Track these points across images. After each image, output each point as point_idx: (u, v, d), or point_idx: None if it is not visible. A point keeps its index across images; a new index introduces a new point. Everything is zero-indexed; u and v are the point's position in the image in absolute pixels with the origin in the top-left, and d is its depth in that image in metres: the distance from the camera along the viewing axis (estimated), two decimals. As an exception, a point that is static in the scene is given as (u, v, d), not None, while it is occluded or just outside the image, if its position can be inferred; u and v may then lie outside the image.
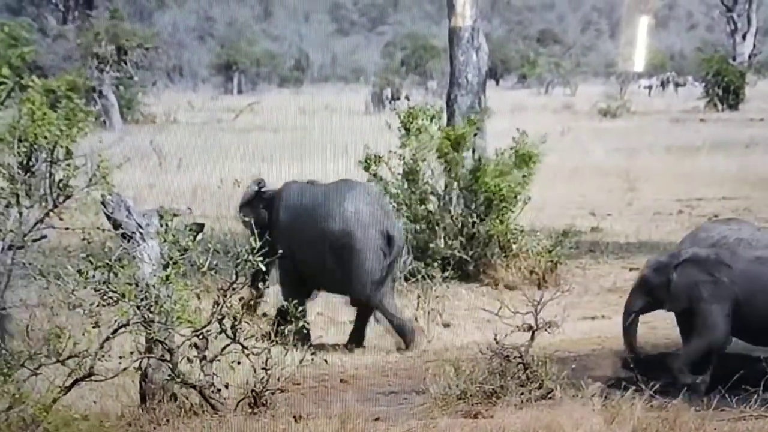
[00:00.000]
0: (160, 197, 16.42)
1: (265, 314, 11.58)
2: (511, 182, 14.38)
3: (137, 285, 8.29)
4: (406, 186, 14.49)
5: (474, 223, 14.52)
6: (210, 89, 52.73)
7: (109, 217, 8.82)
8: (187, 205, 12.12)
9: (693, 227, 11.26)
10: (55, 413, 7.83)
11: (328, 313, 12.13)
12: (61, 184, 8.42)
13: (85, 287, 8.16)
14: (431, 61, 50.38)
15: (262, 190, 11.80)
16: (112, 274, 8.22)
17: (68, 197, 8.40)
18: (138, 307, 8.23)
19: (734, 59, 44.70)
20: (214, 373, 8.66)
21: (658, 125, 34.84)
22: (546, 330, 9.38)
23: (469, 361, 9.33)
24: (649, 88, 49.83)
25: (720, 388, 8.94)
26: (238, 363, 8.60)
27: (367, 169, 14.32)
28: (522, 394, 8.94)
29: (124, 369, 8.32)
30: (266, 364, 8.63)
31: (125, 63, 36.17)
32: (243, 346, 8.67)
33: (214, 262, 8.93)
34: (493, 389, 8.95)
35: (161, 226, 8.75)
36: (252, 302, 11.23)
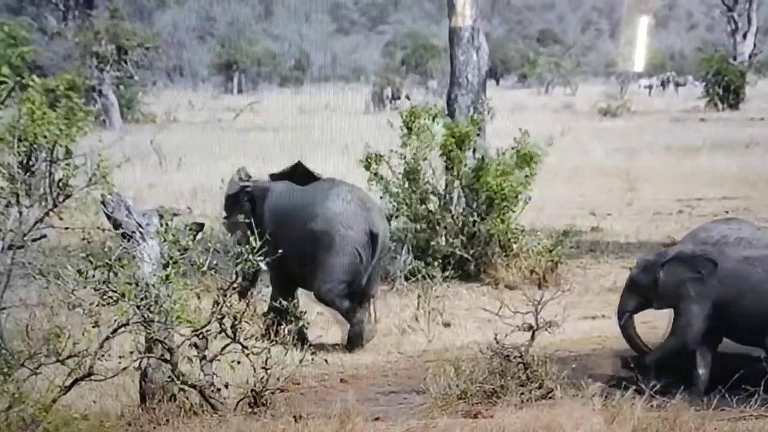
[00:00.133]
0: (160, 197, 16.40)
1: (265, 314, 11.57)
2: (512, 182, 14.38)
3: (137, 284, 8.29)
4: (407, 185, 14.50)
5: (475, 222, 14.53)
6: (210, 89, 52.73)
7: (109, 217, 8.82)
8: (187, 204, 12.14)
9: (693, 227, 11.25)
10: (55, 413, 7.83)
11: (328, 313, 12.11)
12: (60, 184, 8.41)
13: (84, 287, 8.16)
14: (431, 61, 50.40)
15: (246, 185, 11.80)
16: (111, 274, 8.22)
17: (68, 197, 8.39)
18: (138, 307, 8.23)
19: (734, 59, 44.70)
20: (214, 373, 8.66)
21: (659, 125, 34.84)
22: (546, 330, 9.38)
23: (469, 360, 9.33)
24: (650, 87, 49.84)
25: (720, 388, 8.94)
26: (238, 363, 8.60)
27: (367, 168, 14.33)
28: (522, 393, 8.94)
29: (124, 368, 8.32)
30: (266, 364, 8.64)
31: (125, 62, 36.17)
32: (243, 346, 8.67)
33: (214, 262, 8.93)
34: (493, 389, 8.95)
35: (161, 225, 8.75)
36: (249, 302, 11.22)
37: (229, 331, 8.68)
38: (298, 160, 11.89)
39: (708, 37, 56.02)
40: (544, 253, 14.29)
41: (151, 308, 8.27)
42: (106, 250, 8.47)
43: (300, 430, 8.23)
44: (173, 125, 34.76)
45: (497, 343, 9.16)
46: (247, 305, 10.62)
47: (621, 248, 16.19)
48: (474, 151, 14.89)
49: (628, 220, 18.26)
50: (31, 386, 7.97)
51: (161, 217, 8.79)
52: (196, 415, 8.49)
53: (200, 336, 8.58)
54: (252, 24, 59.25)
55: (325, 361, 9.93)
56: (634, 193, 20.92)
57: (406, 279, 13.75)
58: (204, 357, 8.62)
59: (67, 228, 8.44)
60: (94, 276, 8.19)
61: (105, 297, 8.18)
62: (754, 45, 46.78)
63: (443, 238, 14.52)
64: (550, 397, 8.94)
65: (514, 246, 14.46)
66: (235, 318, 8.69)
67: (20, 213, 8.28)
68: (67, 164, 8.55)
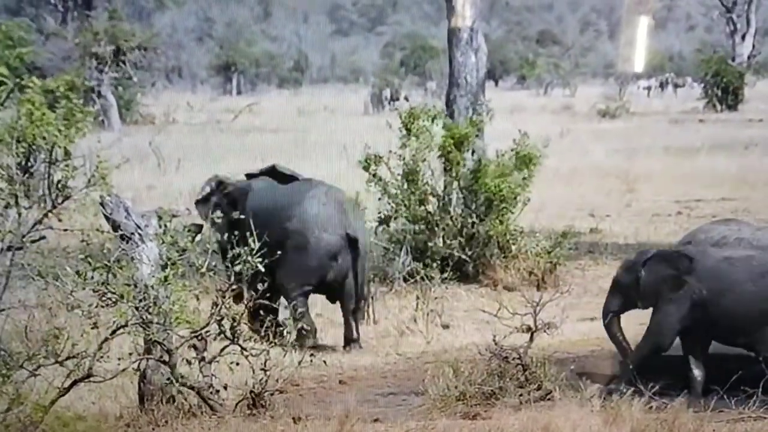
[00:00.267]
0: (159, 198, 16.42)
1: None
2: (511, 183, 14.39)
3: (136, 286, 8.29)
4: (405, 186, 14.50)
5: (473, 223, 14.53)
6: (209, 90, 52.78)
7: (107, 218, 8.81)
8: (185, 206, 12.10)
9: (692, 228, 11.26)
10: (54, 414, 7.83)
11: (327, 315, 12.12)
12: (59, 185, 8.41)
13: (83, 288, 8.16)
14: (430, 62, 50.45)
15: (225, 187, 11.82)
16: (110, 275, 8.22)
17: (67, 198, 8.39)
18: (137, 308, 8.22)
19: (733, 60, 44.74)
20: (212, 375, 8.66)
21: (657, 126, 34.86)
22: (545, 331, 9.38)
23: (468, 362, 9.32)
24: (648, 89, 49.89)
25: (718, 390, 8.94)
26: (237, 364, 8.59)
27: (366, 169, 14.33)
28: (521, 395, 8.94)
29: (123, 370, 8.32)
30: (265, 366, 8.63)
31: (124, 63, 36.17)
32: (242, 348, 8.67)
33: (213, 263, 8.94)
34: (491, 390, 8.95)
35: (160, 227, 8.75)
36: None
37: (228, 333, 8.68)
38: (273, 164, 11.91)
39: (707, 39, 56.09)
40: (542, 254, 14.29)
41: (150, 310, 8.27)
42: (104, 251, 8.47)
43: (299, 431, 8.23)
44: (172, 126, 34.75)
45: (496, 344, 9.16)
46: (246, 307, 10.64)
47: (620, 249, 16.18)
48: (473, 152, 14.90)
49: (627, 222, 18.26)
50: (30, 387, 7.96)
51: (160, 218, 8.79)
52: (195, 416, 8.48)
53: (199, 337, 8.58)
54: (251, 25, 59.30)
55: (324, 362, 9.91)
56: (633, 194, 20.93)
57: (405, 280, 13.76)
58: (203, 358, 8.62)
59: (66, 229, 8.44)
60: (92, 277, 8.19)
61: (104, 298, 8.18)
62: (753, 46, 46.84)
63: (442, 239, 14.52)
64: (549, 399, 8.94)
65: (513, 247, 14.46)
66: (233, 319, 8.68)
67: (19, 214, 8.27)
68: (66, 165, 8.54)
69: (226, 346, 8.66)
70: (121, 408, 8.70)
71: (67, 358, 8.01)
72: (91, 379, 8.14)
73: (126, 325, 8.19)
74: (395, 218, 14.57)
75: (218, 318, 8.64)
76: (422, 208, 14.59)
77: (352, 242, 11.36)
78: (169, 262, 8.49)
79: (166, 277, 8.38)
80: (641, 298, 9.61)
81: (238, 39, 56.30)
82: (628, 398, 8.56)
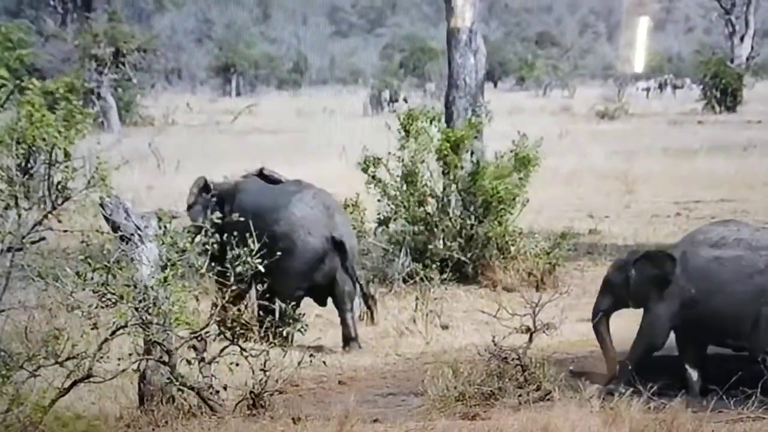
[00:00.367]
0: (159, 199, 16.42)
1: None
2: (509, 185, 14.40)
3: (135, 287, 8.30)
4: (404, 188, 14.51)
5: (472, 225, 14.55)
6: (208, 91, 52.85)
7: (107, 220, 8.82)
8: (185, 207, 12.13)
9: (691, 229, 11.26)
10: (54, 415, 7.84)
11: (327, 315, 12.13)
12: (59, 186, 8.41)
13: (83, 289, 8.17)
14: (429, 64, 50.52)
15: (211, 190, 11.85)
16: (110, 276, 8.22)
17: (67, 199, 8.40)
18: (136, 309, 8.23)
19: (732, 61, 44.80)
20: (212, 375, 8.67)
21: (656, 127, 34.89)
22: (544, 332, 9.38)
23: (467, 362, 9.33)
24: (647, 90, 49.98)
25: (718, 390, 8.94)
26: (237, 365, 8.60)
27: (365, 170, 14.35)
28: (520, 395, 8.94)
29: (123, 371, 8.32)
30: (265, 366, 8.64)
31: (123, 65, 36.21)
32: (241, 348, 8.68)
33: (212, 264, 8.95)
34: (491, 391, 8.95)
35: (159, 228, 8.75)
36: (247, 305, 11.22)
37: (228, 333, 8.69)
38: (261, 166, 11.93)
39: (705, 40, 56.18)
40: (541, 255, 14.30)
41: (150, 310, 8.28)
42: (104, 252, 8.48)
43: (298, 431, 8.24)
44: (171, 128, 34.80)
45: (495, 345, 9.16)
46: (246, 307, 10.66)
47: (619, 250, 16.15)
48: (471, 153, 14.91)
49: (625, 223, 18.27)
50: (30, 388, 7.97)
51: (160, 219, 8.79)
52: (195, 416, 8.49)
53: (199, 338, 8.59)
54: (250, 27, 59.36)
55: (324, 363, 9.91)
56: (632, 195, 20.95)
57: (404, 281, 13.77)
58: (202, 359, 8.63)
59: (65, 230, 8.44)
60: (92, 278, 8.19)
61: (104, 299, 8.18)
62: (752, 48, 46.91)
63: (441, 240, 14.53)
64: (548, 399, 8.95)
65: (512, 248, 14.47)
66: (233, 320, 8.69)
67: (19, 215, 8.27)
68: (66, 167, 8.55)
69: (226, 347, 8.67)
70: (121, 408, 8.71)
71: (67, 359, 8.01)
72: (91, 379, 8.15)
73: (126, 326, 8.20)
74: (394, 219, 14.58)
75: (218, 318, 8.65)
76: (421, 209, 14.60)
77: (338, 245, 11.37)
78: (168, 263, 8.49)
79: (165, 278, 8.38)
80: (631, 297, 9.63)
81: (237, 41, 56.39)
82: (627, 398, 8.56)
